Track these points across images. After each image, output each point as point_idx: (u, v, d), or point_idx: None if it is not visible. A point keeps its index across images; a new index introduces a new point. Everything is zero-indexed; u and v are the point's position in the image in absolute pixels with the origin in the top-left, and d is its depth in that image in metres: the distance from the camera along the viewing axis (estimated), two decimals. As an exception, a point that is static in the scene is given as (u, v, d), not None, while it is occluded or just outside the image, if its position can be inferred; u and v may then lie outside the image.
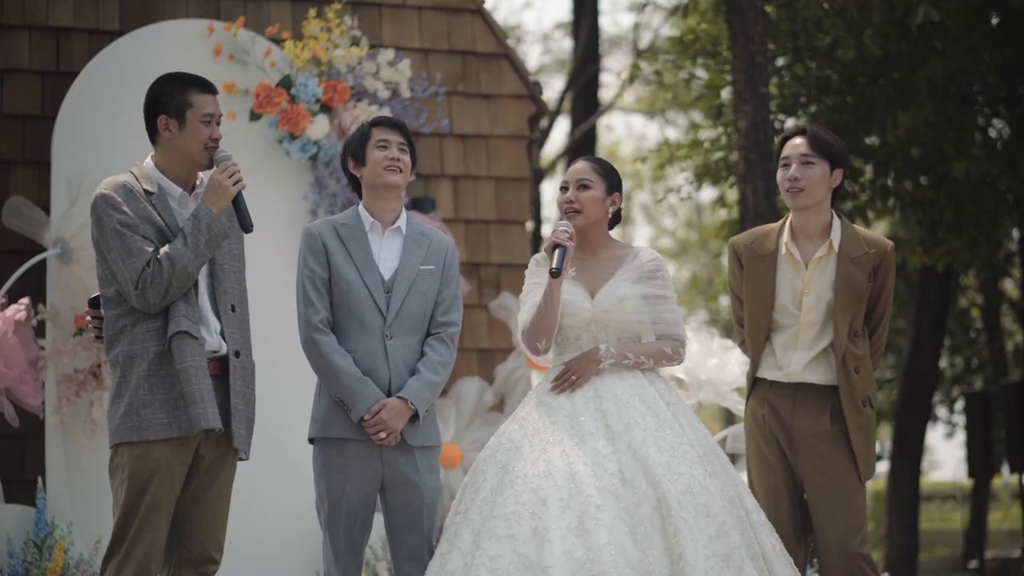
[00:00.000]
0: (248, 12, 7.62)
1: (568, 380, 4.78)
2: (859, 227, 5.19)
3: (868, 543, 5.04)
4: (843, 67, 10.66)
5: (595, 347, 4.78)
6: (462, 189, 8.06)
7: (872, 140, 11.05)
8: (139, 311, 4.53)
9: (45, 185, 7.13)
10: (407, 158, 4.88)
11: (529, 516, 4.46)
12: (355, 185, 4.96)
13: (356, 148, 4.89)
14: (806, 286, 5.07)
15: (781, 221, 5.21)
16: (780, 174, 5.13)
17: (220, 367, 4.65)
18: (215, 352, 4.63)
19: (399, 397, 4.72)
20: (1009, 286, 18.71)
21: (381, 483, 4.77)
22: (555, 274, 4.75)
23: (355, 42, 7.67)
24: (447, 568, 4.49)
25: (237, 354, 4.69)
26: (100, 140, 7.01)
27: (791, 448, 5.09)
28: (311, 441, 4.84)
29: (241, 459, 4.75)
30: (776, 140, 5.28)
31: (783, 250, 5.12)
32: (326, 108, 7.37)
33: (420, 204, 7.76)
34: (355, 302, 4.77)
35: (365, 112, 7.36)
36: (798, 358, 5.07)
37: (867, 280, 5.04)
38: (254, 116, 7.25)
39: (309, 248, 4.82)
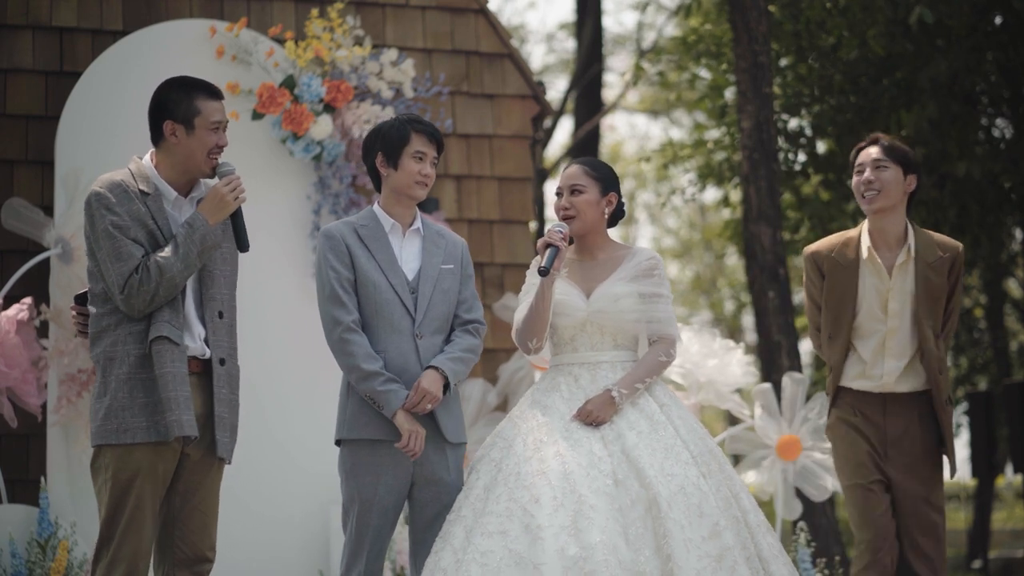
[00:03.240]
0: (251, 12, 7.62)
1: (592, 422, 4.77)
2: (928, 231, 5.28)
3: (942, 550, 5.18)
4: (846, 67, 10.65)
5: (607, 391, 4.77)
6: (466, 189, 8.06)
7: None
8: (122, 312, 4.53)
9: (48, 185, 7.14)
10: (434, 172, 4.89)
11: (522, 513, 4.48)
12: (374, 176, 4.92)
13: (392, 148, 4.83)
14: (890, 292, 5.14)
15: (857, 230, 5.28)
16: (855, 180, 5.24)
17: (205, 373, 4.63)
18: (197, 358, 4.62)
19: (429, 367, 4.72)
20: (1013, 286, 18.70)
21: (410, 482, 4.78)
22: (544, 273, 4.77)
23: (358, 42, 7.67)
24: (440, 564, 4.50)
25: (222, 361, 4.66)
26: (103, 140, 7.02)
27: (880, 453, 5.17)
28: (338, 443, 4.82)
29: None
30: (852, 152, 5.36)
31: (865, 255, 5.19)
32: (329, 108, 7.37)
33: (424, 204, 7.74)
34: (383, 303, 4.75)
35: (368, 112, 7.36)
36: (890, 368, 5.15)
37: (945, 283, 5.16)
38: (257, 116, 7.26)
39: (332, 249, 4.78)
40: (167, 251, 4.51)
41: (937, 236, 5.24)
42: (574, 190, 4.93)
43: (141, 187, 4.59)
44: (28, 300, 6.60)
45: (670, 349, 4.90)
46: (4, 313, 6.52)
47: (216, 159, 4.67)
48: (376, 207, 4.89)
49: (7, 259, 7.08)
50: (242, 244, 4.72)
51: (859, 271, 5.18)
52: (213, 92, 4.70)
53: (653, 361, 4.87)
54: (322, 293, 4.78)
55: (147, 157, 4.70)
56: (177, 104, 4.63)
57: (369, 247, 4.80)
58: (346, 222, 4.87)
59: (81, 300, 4.75)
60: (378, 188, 4.92)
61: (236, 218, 4.70)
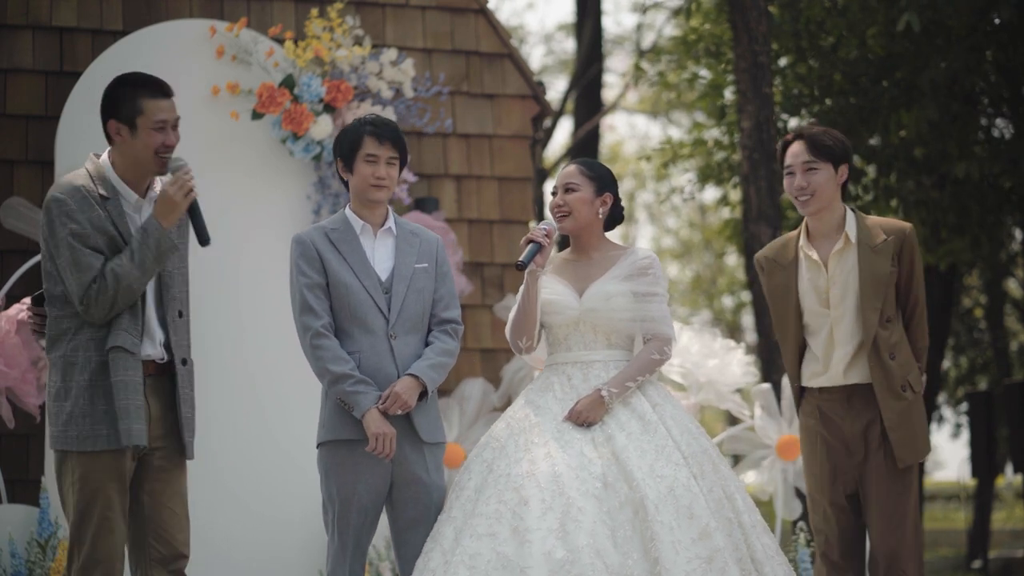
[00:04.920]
0: (251, 12, 7.62)
1: (582, 423, 4.74)
2: (873, 216, 5.20)
3: (911, 542, 5.01)
4: (846, 67, 10.65)
5: (596, 391, 4.75)
6: (465, 189, 8.06)
7: (875, 140, 11.04)
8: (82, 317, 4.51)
9: (48, 185, 7.12)
10: (395, 171, 4.85)
11: (510, 516, 4.47)
12: (343, 181, 4.93)
13: (347, 153, 4.84)
14: (829, 282, 5.07)
15: (798, 229, 5.22)
16: (787, 182, 5.15)
17: (161, 375, 4.63)
18: (155, 361, 4.61)
19: (408, 374, 4.72)
20: (1013, 286, 18.70)
21: (390, 481, 4.78)
22: (520, 267, 4.78)
23: (358, 42, 7.67)
24: (429, 565, 4.50)
25: (184, 361, 4.66)
26: (103, 140, 6.99)
27: (848, 451, 5.08)
28: (318, 446, 4.83)
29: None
30: (778, 145, 5.29)
31: (801, 254, 5.13)
32: (329, 108, 7.37)
33: (423, 204, 7.76)
34: (355, 304, 4.76)
35: (368, 112, 7.36)
36: (838, 357, 5.06)
37: (891, 266, 5.04)
38: (257, 116, 7.25)
39: (303, 255, 4.80)
40: (123, 258, 4.47)
41: (881, 220, 5.16)
42: (568, 188, 4.93)
43: (101, 191, 4.54)
44: (28, 300, 6.59)
45: (664, 347, 4.86)
46: (4, 313, 6.52)
47: (166, 158, 4.58)
48: (348, 209, 4.90)
49: (7, 259, 7.08)
50: (202, 238, 4.63)
51: (797, 269, 5.12)
52: (158, 89, 4.59)
53: (645, 359, 4.84)
54: (293, 300, 4.81)
55: (105, 155, 4.64)
56: (121, 103, 4.56)
57: (340, 250, 4.81)
58: (318, 227, 4.88)
59: (38, 301, 4.69)
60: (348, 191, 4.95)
61: (194, 214, 4.61)
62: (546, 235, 4.83)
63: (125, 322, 4.50)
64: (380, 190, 4.82)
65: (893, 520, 5.00)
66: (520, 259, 4.78)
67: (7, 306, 6.63)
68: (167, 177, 4.64)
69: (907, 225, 5.14)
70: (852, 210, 5.15)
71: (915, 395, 5.06)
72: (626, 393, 4.77)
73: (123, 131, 4.57)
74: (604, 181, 4.96)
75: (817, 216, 5.12)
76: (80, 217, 4.47)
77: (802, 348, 5.17)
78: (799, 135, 5.15)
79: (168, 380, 4.64)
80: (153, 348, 4.60)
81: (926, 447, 5.09)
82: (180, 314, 4.68)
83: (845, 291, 5.06)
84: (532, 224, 8.39)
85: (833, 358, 5.07)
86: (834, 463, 5.09)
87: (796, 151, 5.12)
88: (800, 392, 5.21)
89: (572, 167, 4.99)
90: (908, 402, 5.03)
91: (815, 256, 5.10)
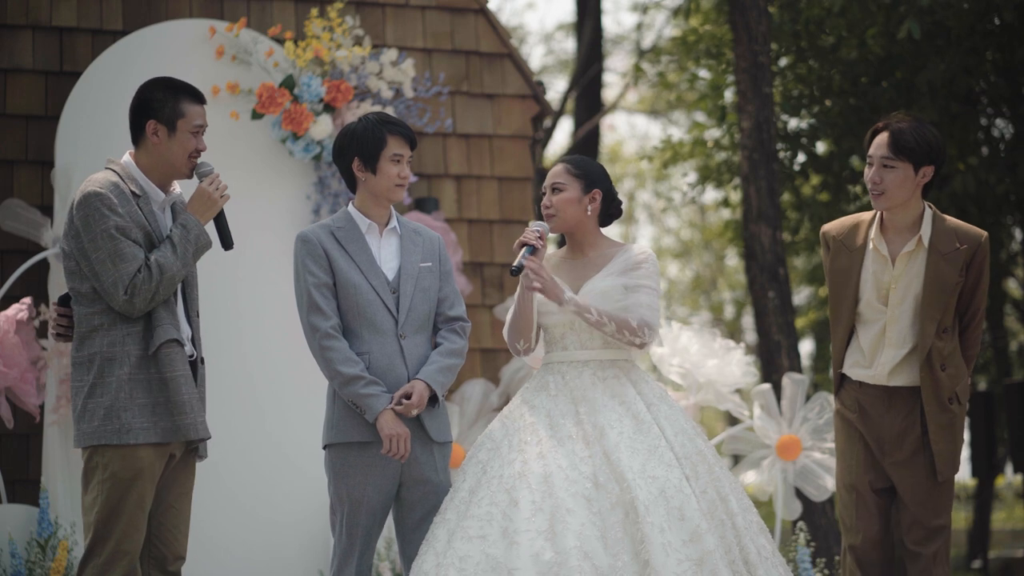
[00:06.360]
0: (251, 12, 7.62)
1: (534, 282, 4.70)
2: (951, 218, 5.07)
3: (945, 548, 5.05)
4: (846, 67, 10.65)
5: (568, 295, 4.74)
6: (465, 189, 8.06)
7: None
8: (115, 312, 4.53)
9: (48, 185, 7.14)
10: (411, 170, 4.90)
11: (501, 517, 4.46)
12: (349, 179, 4.89)
13: (368, 152, 4.79)
14: (893, 281, 4.98)
15: (871, 213, 5.11)
16: (865, 171, 5.04)
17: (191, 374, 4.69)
18: (190, 358, 4.67)
19: (417, 379, 4.71)
20: (1013, 286, 18.70)
21: (399, 482, 4.77)
22: (514, 272, 4.74)
23: (358, 42, 7.67)
24: (423, 568, 4.50)
25: (202, 361, 4.74)
26: (103, 140, 7.01)
27: (880, 449, 5.03)
28: (325, 447, 4.82)
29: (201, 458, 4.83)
30: (868, 132, 5.10)
31: (870, 245, 5.03)
32: (329, 108, 7.37)
33: (423, 204, 7.76)
34: (364, 305, 4.74)
35: (370, 111, 7.35)
36: (886, 358, 4.99)
37: (959, 275, 4.94)
38: (257, 116, 7.25)
39: (309, 254, 4.77)
40: (165, 251, 4.54)
41: (959, 225, 5.01)
42: (555, 188, 4.92)
43: (132, 189, 4.60)
44: (27, 300, 6.60)
45: (644, 328, 4.75)
46: (3, 313, 6.53)
47: (195, 161, 4.69)
48: (351, 208, 4.87)
49: (6, 259, 7.08)
50: (226, 242, 4.75)
51: (863, 258, 5.02)
52: (197, 96, 4.70)
53: (623, 316, 4.76)
54: (300, 299, 4.77)
55: (127, 158, 4.69)
56: (162, 105, 4.64)
57: (347, 249, 4.78)
58: (322, 225, 4.85)
59: (63, 302, 4.71)
60: (352, 189, 4.90)
61: (219, 217, 4.73)
62: (539, 237, 4.81)
63: (166, 317, 4.56)
64: (403, 190, 4.84)
65: (930, 525, 5.03)
66: (515, 265, 4.74)
67: (6, 306, 6.63)
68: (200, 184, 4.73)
69: (982, 233, 5.01)
70: (931, 210, 5.02)
71: (960, 408, 4.99)
72: (584, 313, 4.72)
73: (161, 132, 4.64)
74: (592, 178, 4.92)
75: (890, 212, 5.00)
76: (121, 211, 4.52)
77: (851, 334, 5.09)
78: (887, 126, 5.00)
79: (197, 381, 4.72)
80: (187, 344, 4.67)
81: (958, 462, 5.05)
82: (197, 315, 4.76)
83: (906, 294, 4.97)
84: (531, 223, 8.38)
85: (880, 357, 5.01)
86: (871, 454, 5.06)
87: (879, 143, 4.99)
88: (840, 379, 5.14)
89: (559, 166, 4.97)
90: (953, 415, 4.97)
91: (884, 251, 4.99)
